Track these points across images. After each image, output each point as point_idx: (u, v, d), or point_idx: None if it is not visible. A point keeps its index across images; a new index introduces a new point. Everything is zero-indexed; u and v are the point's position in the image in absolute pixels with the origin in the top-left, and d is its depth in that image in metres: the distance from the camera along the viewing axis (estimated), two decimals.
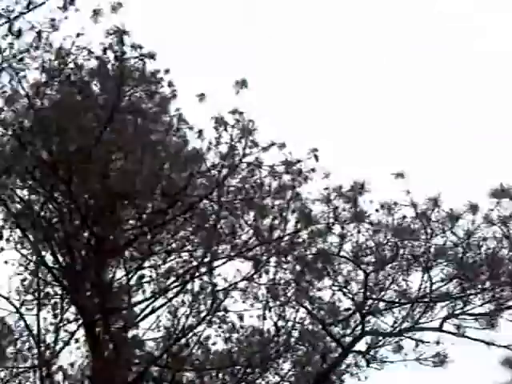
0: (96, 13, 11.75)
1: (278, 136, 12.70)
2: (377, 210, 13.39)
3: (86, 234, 13.74)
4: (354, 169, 13.22)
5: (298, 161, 12.87)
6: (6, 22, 11.63)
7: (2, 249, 13.56)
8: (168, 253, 14.02)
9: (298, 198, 13.30)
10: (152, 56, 12.18)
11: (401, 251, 13.55)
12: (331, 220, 13.37)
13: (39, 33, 11.83)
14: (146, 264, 14.09)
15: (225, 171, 13.07)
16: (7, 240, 13.49)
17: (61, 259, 13.68)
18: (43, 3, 11.63)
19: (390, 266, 13.61)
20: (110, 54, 12.17)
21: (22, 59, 12.00)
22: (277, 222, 13.43)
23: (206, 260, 13.68)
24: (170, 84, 12.87)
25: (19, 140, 12.59)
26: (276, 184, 13.29)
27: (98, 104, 12.56)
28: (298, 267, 13.79)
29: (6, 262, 13.60)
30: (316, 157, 12.73)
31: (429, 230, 13.41)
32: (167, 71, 12.73)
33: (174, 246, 14.04)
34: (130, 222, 13.92)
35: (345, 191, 13.20)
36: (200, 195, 13.29)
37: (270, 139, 12.70)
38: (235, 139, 12.76)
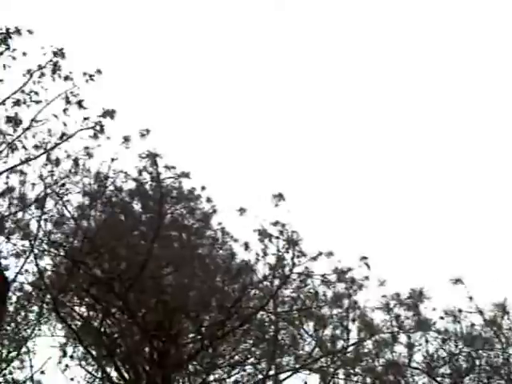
0: (126, 139, 10.74)
1: (324, 244, 10.45)
2: (441, 318, 10.93)
3: (147, 349, 11.92)
4: (408, 274, 10.66)
5: (349, 269, 10.73)
6: (43, 153, 11.18)
7: (67, 366, 12.05)
8: (231, 366, 12.19)
9: (356, 306, 11.00)
10: (187, 175, 11.33)
11: (477, 362, 10.68)
12: (395, 329, 10.82)
13: (76, 160, 11.32)
14: (211, 378, 12.11)
15: (277, 282, 10.96)
16: (71, 357, 12.03)
17: (125, 375, 11.90)
18: (74, 134, 10.62)
19: (467, 377, 10.74)
20: (146, 176, 11.07)
21: (63, 185, 11.26)
22: (338, 331, 11.03)
23: (271, 373, 11.50)
24: (209, 200, 11.67)
25: (72, 260, 11.21)
26: (331, 293, 10.95)
27: (142, 222, 11.02)
28: (368, 379, 11.24)
29: (71, 379, 12.03)
30: (367, 265, 10.38)
31: (503, 339, 10.48)
32: (203, 188, 11.62)
33: (236, 358, 11.97)
34: (190, 335, 12.03)
35: (404, 299, 10.70)
36: (255, 307, 11.29)
37: (317, 248, 10.44)
38: (282, 250, 10.65)
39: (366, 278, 11.15)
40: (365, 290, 11.36)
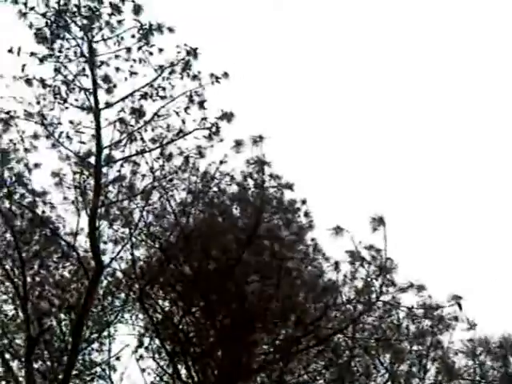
0: (238, 144, 10.75)
1: (417, 276, 10.20)
2: None
3: (219, 353, 11.96)
4: (502, 317, 10.15)
5: (439, 306, 10.32)
6: (158, 147, 11.56)
7: (141, 356, 12.25)
8: None
9: (438, 346, 10.68)
10: (290, 187, 11.34)
11: None
12: (477, 377, 10.39)
13: (187, 158, 11.61)
14: None
15: (360, 307, 10.78)
16: (146, 348, 12.17)
17: (194, 375, 11.94)
18: (191, 132, 10.94)
19: None
20: (250, 182, 11.29)
21: (171, 180, 11.67)
22: (415, 369, 10.71)
23: None
24: (307, 214, 11.50)
25: (165, 253, 11.46)
26: (414, 328, 10.66)
27: (238, 227, 11.15)
28: None
29: (143, 370, 12.25)
30: (459, 305, 10.03)
31: None
32: (304, 202, 11.58)
33: (305, 377, 11.77)
34: (263, 346, 11.95)
35: (493, 347, 10.21)
36: (334, 329, 11.14)
37: (408, 279, 10.22)
38: (372, 276, 10.49)
39: (455, 318, 10.72)
40: (451, 331, 10.88)
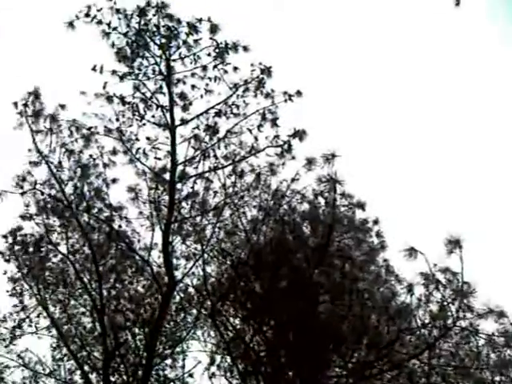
0: (310, 161, 10.58)
1: (497, 302, 9.49)
2: None
3: (291, 373, 11.63)
4: None
5: None
6: (231, 164, 11.61)
7: (214, 374, 12.10)
8: None
9: None
10: (362, 206, 10.95)
11: None
12: None
13: (259, 175, 11.63)
14: None
15: (436, 332, 10.15)
16: (218, 366, 11.98)
17: None
18: (263, 150, 10.94)
19: None
20: (321, 200, 10.89)
21: (242, 197, 11.62)
22: None
23: None
24: (379, 234, 10.88)
25: (235, 270, 11.34)
26: (495, 357, 9.92)
27: (308, 246, 10.85)
28: None
29: None
30: None
31: None
32: (376, 222, 11.00)
33: None
34: (336, 369, 11.50)
35: None
36: (409, 354, 10.52)
37: (487, 305, 9.52)
38: (447, 300, 9.88)
39: None
40: None
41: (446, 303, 10.34)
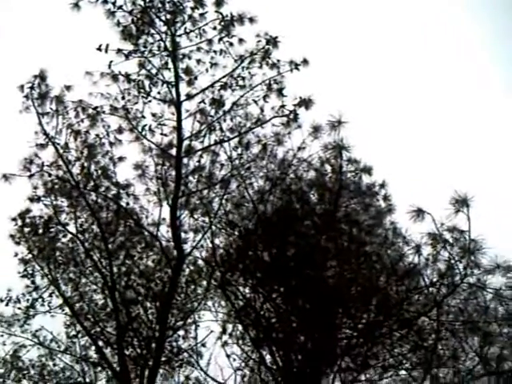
0: (316, 129, 10.09)
1: (504, 257, 9.20)
2: None
3: (302, 338, 11.33)
4: None
5: None
6: (237, 136, 11.20)
7: (226, 342, 11.76)
8: (384, 368, 11.11)
9: None
10: (368, 171, 10.57)
11: None
12: None
13: (265, 146, 11.18)
14: (362, 377, 11.18)
15: (444, 290, 9.89)
16: (230, 335, 11.66)
17: (279, 360, 11.36)
18: (269, 120, 10.62)
19: None
20: (328, 167, 10.26)
21: (249, 168, 11.28)
22: (506, 352, 9.76)
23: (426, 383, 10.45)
24: (386, 198, 10.56)
25: (244, 241, 10.98)
26: (503, 310, 9.69)
27: (316, 213, 10.50)
28: None
29: (228, 356, 11.71)
30: None
31: None
32: (382, 185, 10.60)
33: (390, 361, 10.97)
34: (346, 331, 11.21)
35: None
36: (418, 312, 10.22)
37: (494, 260, 9.28)
38: (455, 258, 9.61)
39: None
40: None
41: (453, 261, 10.06)
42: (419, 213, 10.10)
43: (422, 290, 10.57)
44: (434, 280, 10.39)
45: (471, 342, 10.38)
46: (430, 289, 10.51)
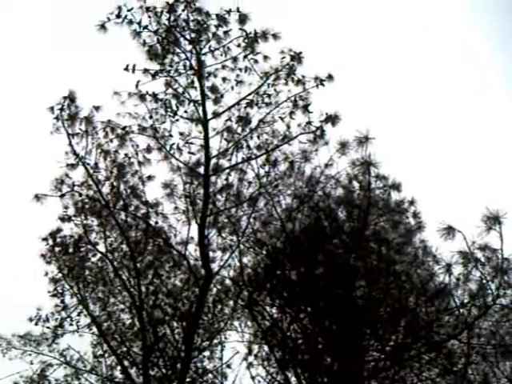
0: (343, 145, 9.94)
1: None
2: None
3: (328, 360, 10.97)
4: None
5: None
6: (264, 153, 11.13)
7: (251, 364, 11.45)
8: None
9: None
10: (397, 187, 10.22)
11: None
12: None
13: (292, 163, 11.09)
14: None
15: (475, 311, 9.46)
16: (255, 356, 11.39)
17: (304, 382, 11.00)
18: (295, 137, 10.26)
19: None
20: (356, 184, 10.02)
21: (276, 186, 11.16)
22: None
23: None
24: (415, 215, 10.27)
25: (271, 260, 10.79)
26: None
27: (344, 231, 10.26)
28: None
29: (253, 378, 11.40)
30: None
31: None
32: (412, 202, 10.35)
33: None
34: (373, 353, 10.83)
35: None
36: (448, 334, 9.82)
37: None
38: (487, 278, 9.22)
39: None
40: None
41: (485, 281, 9.65)
42: (450, 230, 9.76)
43: (452, 311, 10.18)
44: (465, 301, 10.01)
45: (503, 366, 9.91)
46: (461, 310, 10.12)
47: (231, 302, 12.19)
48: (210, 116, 10.93)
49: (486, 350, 10.05)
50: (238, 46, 10.58)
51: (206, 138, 10.92)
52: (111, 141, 11.66)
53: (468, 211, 10.06)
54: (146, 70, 10.79)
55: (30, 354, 12.67)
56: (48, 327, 12.62)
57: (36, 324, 12.60)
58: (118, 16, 10.61)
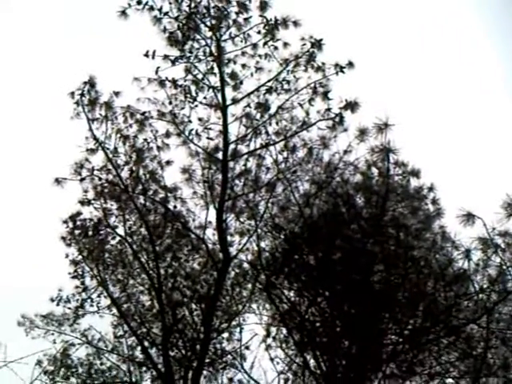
0: (362, 132, 9.69)
1: None
2: None
3: (347, 343, 10.91)
4: None
5: None
6: (282, 140, 10.94)
7: (270, 346, 11.47)
8: (430, 376, 10.63)
9: None
10: (416, 174, 9.99)
11: None
12: None
13: (311, 149, 10.93)
14: None
15: (495, 297, 9.34)
16: (274, 338, 11.37)
17: (322, 365, 10.97)
18: (314, 124, 10.07)
19: None
20: (375, 170, 9.82)
21: (295, 171, 10.98)
22: None
23: None
24: (434, 201, 10.05)
25: (289, 244, 10.67)
26: None
27: (362, 216, 10.10)
28: None
29: (271, 360, 11.39)
30: None
31: None
32: (431, 189, 10.09)
33: (437, 369, 10.44)
34: (392, 337, 10.75)
35: None
36: (467, 319, 9.69)
37: None
38: (507, 263, 9.06)
39: None
40: None
41: (505, 267, 9.50)
42: (469, 217, 9.58)
43: (471, 297, 10.06)
44: (485, 286, 9.86)
45: None
46: (480, 295, 9.99)
47: (249, 285, 12.17)
48: (228, 102, 10.77)
49: (505, 334, 9.94)
50: (258, 32, 10.36)
51: (225, 124, 10.77)
52: (130, 126, 11.55)
53: (488, 198, 9.89)
54: (165, 56, 10.62)
55: (53, 334, 12.77)
56: (69, 308, 12.68)
57: (57, 304, 12.66)
58: (139, 2, 10.41)
